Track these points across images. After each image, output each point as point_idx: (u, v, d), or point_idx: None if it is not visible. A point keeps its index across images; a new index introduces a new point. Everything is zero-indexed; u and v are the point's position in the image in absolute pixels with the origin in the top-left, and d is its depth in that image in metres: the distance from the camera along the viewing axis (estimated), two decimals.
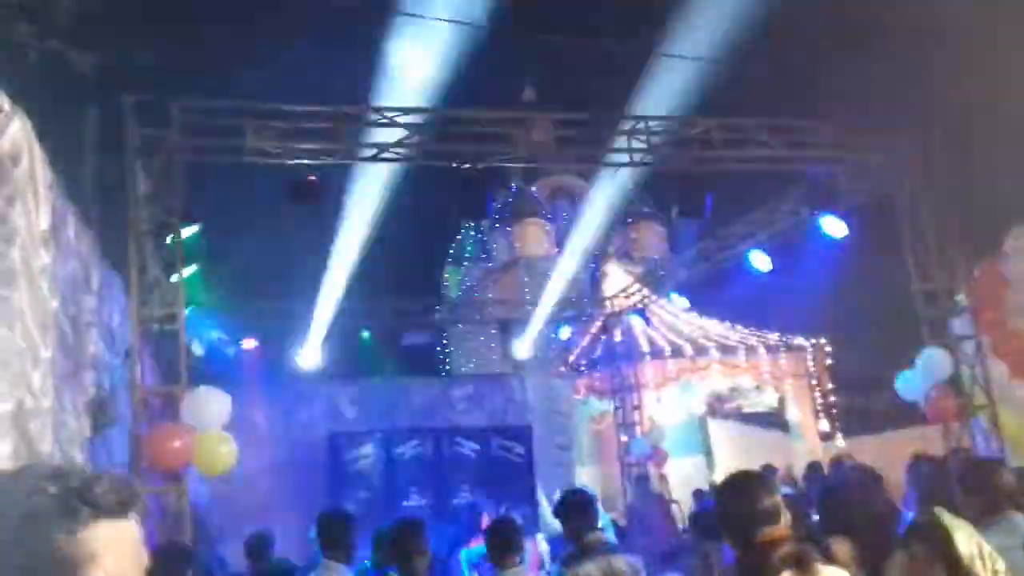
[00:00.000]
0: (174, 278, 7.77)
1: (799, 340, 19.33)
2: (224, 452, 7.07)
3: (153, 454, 6.69)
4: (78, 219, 6.97)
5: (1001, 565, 2.90)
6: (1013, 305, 9.76)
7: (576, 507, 4.84)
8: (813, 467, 11.28)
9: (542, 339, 16.08)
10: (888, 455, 10.54)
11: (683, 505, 12.54)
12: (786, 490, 9.73)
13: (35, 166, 5.05)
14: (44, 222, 5.27)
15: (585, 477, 16.91)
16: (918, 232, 9.67)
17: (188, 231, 8.10)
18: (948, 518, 2.97)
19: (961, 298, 9.69)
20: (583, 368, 19.28)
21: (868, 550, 2.98)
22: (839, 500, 3.30)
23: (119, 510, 1.20)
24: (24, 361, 4.81)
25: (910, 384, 9.29)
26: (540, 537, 10.13)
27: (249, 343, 13.66)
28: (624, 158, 9.39)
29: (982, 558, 2.90)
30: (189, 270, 8.63)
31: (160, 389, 7.39)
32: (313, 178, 8.02)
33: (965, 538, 2.93)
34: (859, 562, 2.98)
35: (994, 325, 9.75)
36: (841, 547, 3.04)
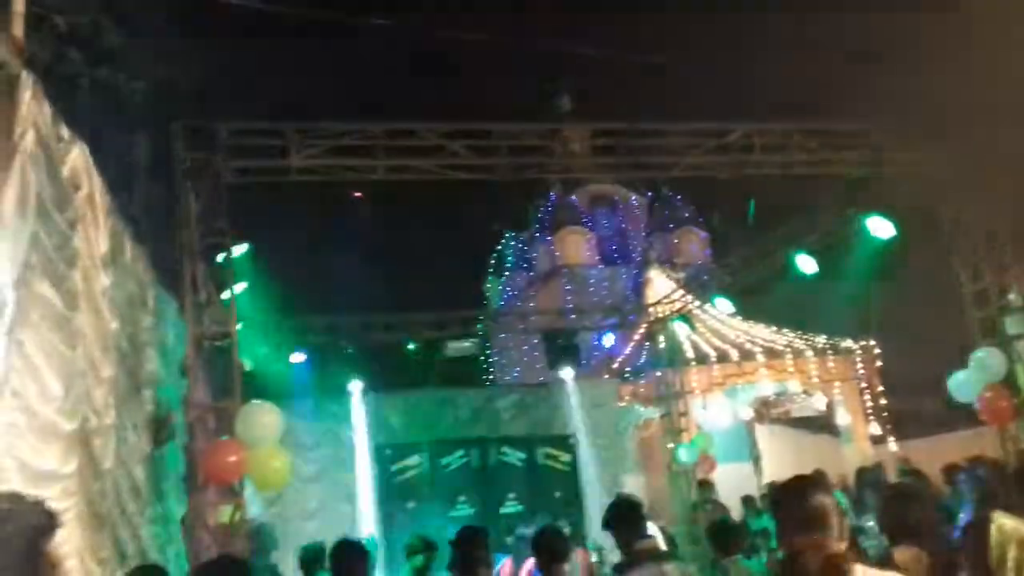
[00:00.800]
0: (225, 296, 7.97)
1: (847, 343, 19.06)
2: (277, 467, 7.22)
3: (209, 469, 6.86)
4: (134, 241, 7.19)
5: None
6: None
7: (624, 515, 4.85)
8: (863, 472, 11.12)
9: (586, 347, 16.09)
10: (944, 459, 10.37)
11: (732, 512, 12.44)
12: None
13: (94, 191, 5.25)
14: (103, 245, 5.46)
15: (632, 485, 16.85)
16: (966, 231, 9.54)
17: (238, 250, 8.31)
18: (1003, 517, 2.94)
19: (1014, 296, 9.53)
20: (628, 375, 19.22)
21: (935, 555, 2.95)
22: (904, 506, 3.24)
23: None
24: (87, 380, 4.99)
25: (963, 385, 9.15)
26: (590, 546, 10.15)
27: (298, 357, 13.88)
28: (662, 167, 9.41)
29: None
30: (240, 287, 8.83)
31: (214, 405, 7.57)
32: (358, 194, 8.17)
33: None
34: (928, 568, 2.93)
35: None
36: (906, 553, 3.00)
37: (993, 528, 2.83)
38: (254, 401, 7.54)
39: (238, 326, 9.01)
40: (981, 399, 9.00)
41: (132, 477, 6.27)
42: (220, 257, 7.88)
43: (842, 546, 2.48)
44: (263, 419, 7.18)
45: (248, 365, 13.79)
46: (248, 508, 7.59)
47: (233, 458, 6.78)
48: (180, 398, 7.84)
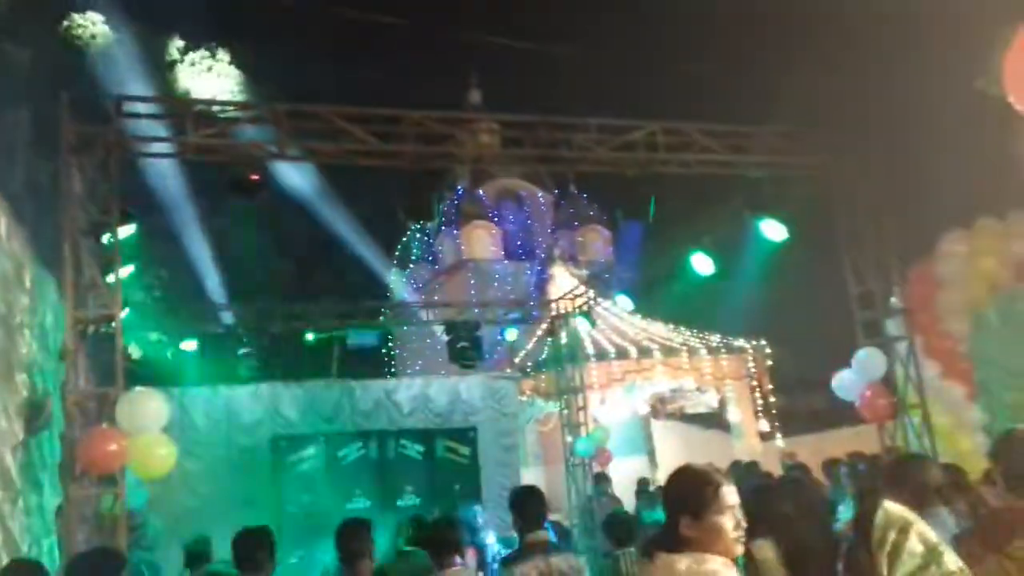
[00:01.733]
0: (110, 279, 7.58)
1: (740, 342, 19.68)
2: (161, 455, 6.93)
3: (87, 457, 6.52)
4: (10, 216, 6.77)
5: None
6: (945, 307, 10.08)
7: (520, 505, 4.86)
8: (750, 466, 11.48)
9: (489, 341, 16.08)
10: (826, 454, 10.80)
11: (625, 504, 12.67)
12: None
13: None
14: None
15: (531, 478, 16.95)
16: (854, 235, 9.92)
17: (125, 231, 7.90)
18: (890, 504, 3.04)
19: (895, 300, 9.97)
20: (529, 370, 19.35)
21: (795, 551, 3.05)
22: (762, 501, 3.36)
23: None
24: None
25: (846, 384, 9.52)
26: (491, 537, 10.17)
27: (189, 345, 13.39)
28: (569, 161, 9.45)
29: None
30: (126, 270, 8.42)
31: (95, 391, 7.19)
32: (256, 176, 7.89)
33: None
34: (785, 562, 3.05)
35: (927, 326, 10.05)
36: (761, 548, 3.13)
37: (880, 512, 2.94)
38: (136, 387, 7.22)
39: (124, 311, 8.60)
40: (862, 397, 9.38)
41: (2, 465, 5.91)
42: (105, 237, 7.48)
43: None
44: (147, 407, 6.87)
45: (136, 352, 13.27)
46: (129, 500, 7.25)
47: (113, 446, 6.46)
48: (59, 383, 7.43)
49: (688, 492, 2.66)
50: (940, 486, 4.41)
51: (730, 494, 2.60)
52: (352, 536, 4.44)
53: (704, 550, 2.54)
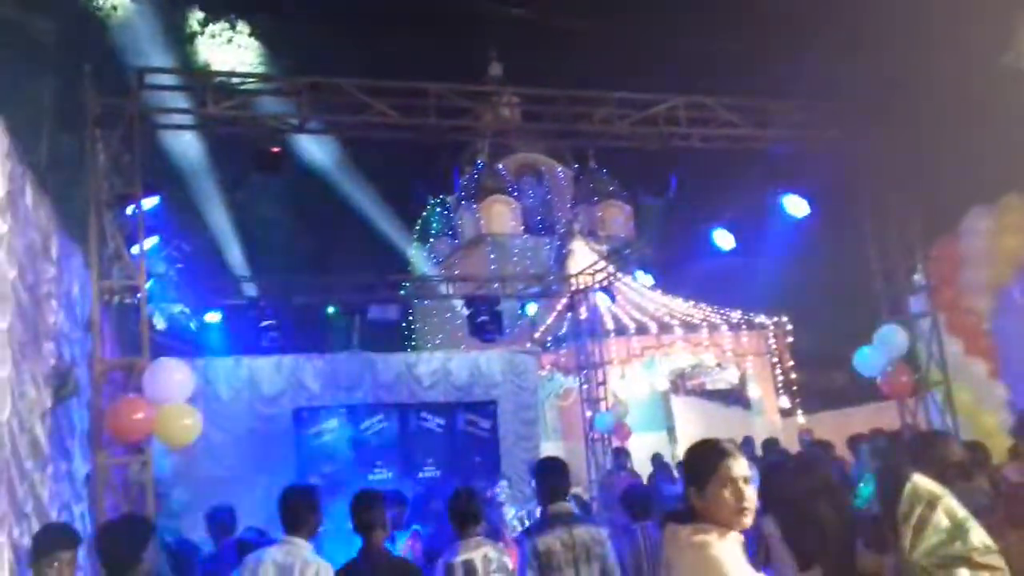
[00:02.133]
0: (135, 250, 7.67)
1: (761, 318, 19.62)
2: (186, 424, 7.03)
3: (114, 426, 6.63)
4: (36, 187, 6.84)
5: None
6: (967, 284, 9.99)
7: (544, 476, 4.90)
8: (769, 442, 11.47)
9: (509, 315, 16.14)
10: (846, 431, 10.78)
11: (645, 480, 12.73)
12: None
13: None
14: (1, 189, 5.17)
15: (551, 451, 17.05)
16: (878, 211, 9.84)
17: (149, 202, 7.98)
18: (920, 479, 3.04)
19: (918, 276, 9.89)
20: (549, 345, 19.39)
21: (802, 528, 3.07)
22: (770, 479, 3.40)
23: None
24: None
25: (868, 361, 9.48)
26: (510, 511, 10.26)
27: (213, 316, 13.52)
28: (590, 135, 9.42)
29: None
30: (151, 241, 8.51)
31: (121, 362, 7.31)
32: (278, 149, 7.93)
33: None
34: (788, 538, 3.09)
35: (949, 303, 9.97)
36: (768, 524, 3.18)
37: (909, 485, 2.94)
38: (162, 358, 7.31)
39: (148, 282, 8.70)
40: (884, 374, 9.34)
41: (32, 432, 6.02)
42: (130, 209, 7.55)
43: None
44: (173, 377, 6.97)
45: (161, 323, 13.41)
46: (156, 468, 7.38)
47: (140, 415, 6.57)
48: (85, 353, 7.55)
49: (693, 464, 2.69)
50: (962, 463, 4.41)
51: (735, 467, 2.61)
52: (365, 508, 4.47)
53: (707, 521, 2.57)
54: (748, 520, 2.61)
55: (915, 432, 8.63)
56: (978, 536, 2.86)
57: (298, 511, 4.37)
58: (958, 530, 2.85)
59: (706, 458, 2.65)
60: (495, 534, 6.89)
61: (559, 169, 31.39)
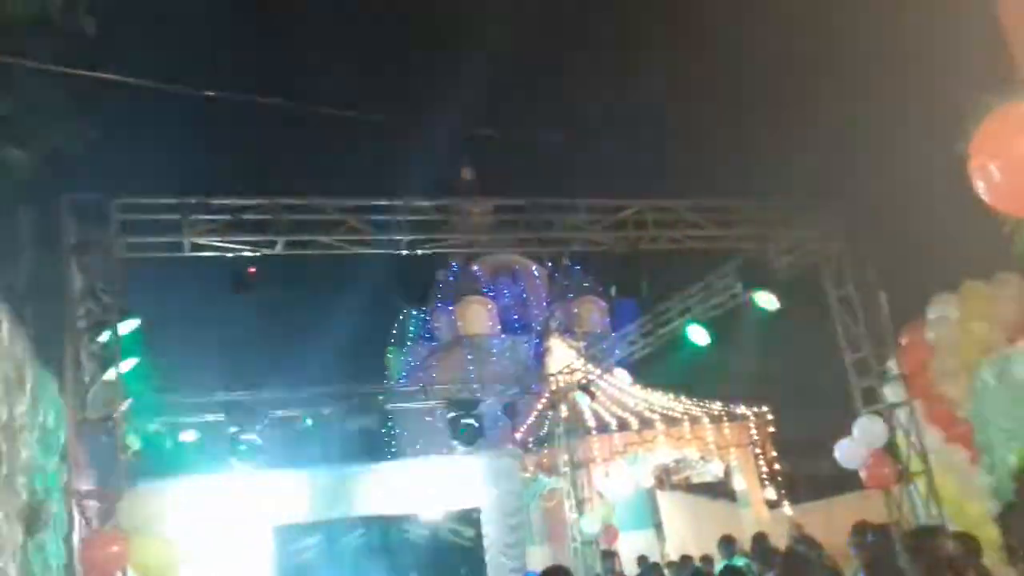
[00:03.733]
0: (110, 375, 7.63)
1: (741, 409, 19.61)
2: (163, 556, 6.87)
3: (89, 560, 6.46)
4: (11, 319, 6.85)
5: None
6: (940, 371, 10.10)
7: None
8: (758, 537, 11.31)
9: (489, 417, 16.04)
10: (835, 520, 10.70)
11: None
12: (739, 562, 9.78)
13: None
14: None
15: (537, 556, 16.69)
16: (845, 303, 10.04)
17: (127, 326, 7.99)
18: None
19: (892, 365, 10.02)
20: (531, 446, 19.22)
21: None
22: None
23: None
24: None
25: (848, 452, 9.51)
26: None
27: (188, 435, 13.34)
28: (562, 241, 9.62)
29: None
30: (128, 363, 8.47)
31: (97, 492, 7.17)
32: (253, 270, 8.02)
33: None
34: None
35: (924, 391, 10.07)
36: None
37: None
38: (139, 487, 7.19)
39: (125, 404, 8.62)
40: (865, 466, 9.36)
41: (3, 571, 5.86)
42: (106, 335, 7.55)
43: None
44: (148, 506, 6.85)
45: (135, 444, 13.18)
46: None
47: (115, 548, 6.42)
48: (60, 484, 7.40)
49: None
50: (952, 559, 4.42)
51: None
52: None
53: None
54: None
55: (907, 529, 8.60)
56: None
57: None
58: None
59: None
60: None
61: (534, 268, 31.74)
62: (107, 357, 7.64)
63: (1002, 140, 3.30)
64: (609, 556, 13.41)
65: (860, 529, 9.02)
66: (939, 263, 11.28)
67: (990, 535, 6.89)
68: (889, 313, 10.00)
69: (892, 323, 10.13)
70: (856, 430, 9.42)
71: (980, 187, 3.26)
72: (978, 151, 3.21)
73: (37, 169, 9.61)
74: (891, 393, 9.81)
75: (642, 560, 12.71)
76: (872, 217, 10.30)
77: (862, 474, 9.45)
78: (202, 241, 7.90)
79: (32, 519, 6.85)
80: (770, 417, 19.55)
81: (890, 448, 9.58)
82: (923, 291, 10.81)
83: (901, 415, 9.68)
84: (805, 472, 20.35)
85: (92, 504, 7.21)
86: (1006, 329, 9.38)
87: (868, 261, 10.01)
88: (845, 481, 15.03)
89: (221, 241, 8.00)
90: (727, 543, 11.13)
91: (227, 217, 8.02)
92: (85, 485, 7.61)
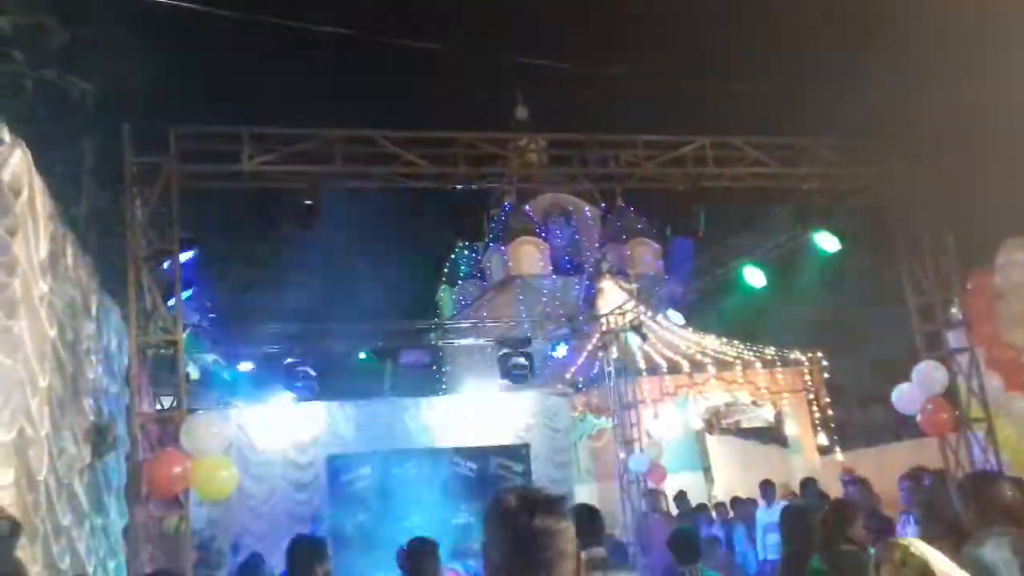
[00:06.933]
0: (171, 303, 7.79)
1: (795, 354, 19.35)
2: (224, 477, 7.07)
3: (153, 480, 6.69)
4: (75, 246, 7.00)
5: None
6: (1006, 317, 9.81)
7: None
8: (806, 483, 11.25)
9: (539, 357, 16.10)
10: (887, 468, 10.56)
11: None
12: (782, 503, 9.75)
13: (35, 196, 5.09)
14: (43, 251, 5.30)
15: (583, 494, 16.85)
16: (911, 245, 9.74)
17: (184, 256, 8.12)
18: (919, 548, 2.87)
19: (956, 311, 9.75)
20: (581, 385, 19.27)
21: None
22: (794, 523, 3.36)
23: None
24: (24, 390, 4.83)
25: (906, 398, 9.32)
26: None
27: (245, 365, 13.64)
28: (618, 177, 9.46)
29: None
30: (185, 293, 8.63)
31: (159, 415, 7.39)
32: (310, 202, 8.05)
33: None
34: None
35: (988, 338, 9.80)
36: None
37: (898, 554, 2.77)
38: (199, 411, 7.39)
39: (184, 333, 8.82)
40: (923, 411, 9.18)
41: (70, 488, 6.09)
42: (166, 263, 7.69)
43: None
44: (209, 429, 7.03)
45: (195, 374, 13.55)
46: (193, 521, 7.42)
47: (178, 469, 6.63)
48: (123, 407, 7.64)
49: None
50: (1011, 507, 4.27)
51: None
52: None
53: None
54: None
55: (966, 474, 8.42)
56: None
57: (308, 562, 4.28)
58: None
59: None
60: None
61: (587, 209, 31.47)
62: (167, 285, 7.79)
63: None
64: (656, 495, 13.46)
65: (916, 474, 8.91)
66: (1009, 207, 10.85)
67: None
68: (958, 257, 9.68)
69: (960, 268, 9.82)
70: (915, 375, 9.20)
71: None
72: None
73: (99, 99, 9.73)
74: (954, 339, 9.56)
75: (680, 496, 12.71)
76: (941, 157, 9.90)
77: (919, 419, 9.26)
78: (260, 170, 7.93)
79: (99, 441, 7.09)
80: (824, 363, 19.26)
81: (949, 395, 9.37)
82: (994, 236, 10.44)
83: (962, 361, 9.43)
84: (859, 419, 20.13)
85: (154, 427, 7.44)
86: None
87: (936, 203, 9.66)
88: (899, 429, 14.83)
89: (278, 171, 8.02)
90: (766, 487, 11.11)
91: (284, 147, 8.03)
92: (147, 408, 7.85)
